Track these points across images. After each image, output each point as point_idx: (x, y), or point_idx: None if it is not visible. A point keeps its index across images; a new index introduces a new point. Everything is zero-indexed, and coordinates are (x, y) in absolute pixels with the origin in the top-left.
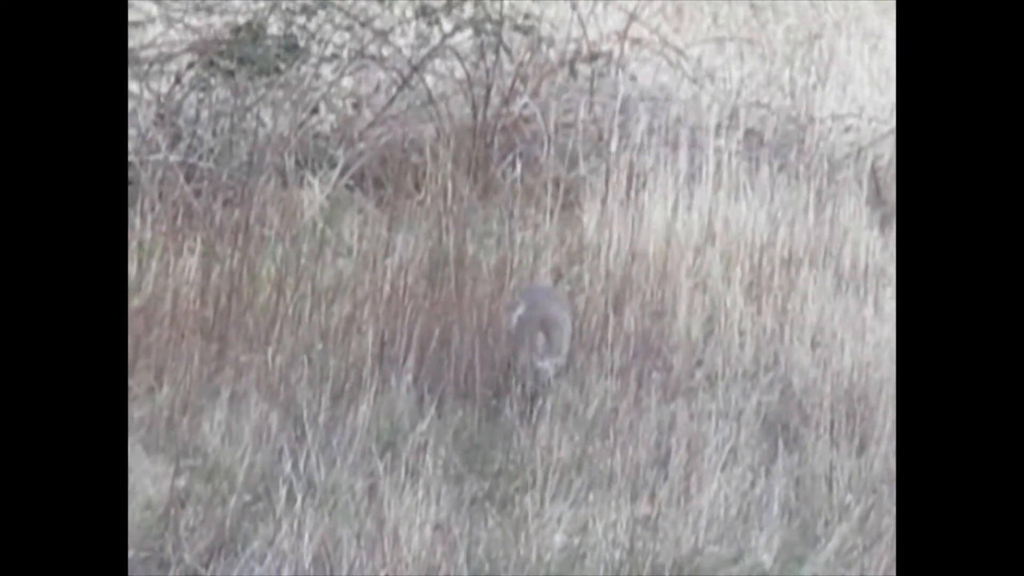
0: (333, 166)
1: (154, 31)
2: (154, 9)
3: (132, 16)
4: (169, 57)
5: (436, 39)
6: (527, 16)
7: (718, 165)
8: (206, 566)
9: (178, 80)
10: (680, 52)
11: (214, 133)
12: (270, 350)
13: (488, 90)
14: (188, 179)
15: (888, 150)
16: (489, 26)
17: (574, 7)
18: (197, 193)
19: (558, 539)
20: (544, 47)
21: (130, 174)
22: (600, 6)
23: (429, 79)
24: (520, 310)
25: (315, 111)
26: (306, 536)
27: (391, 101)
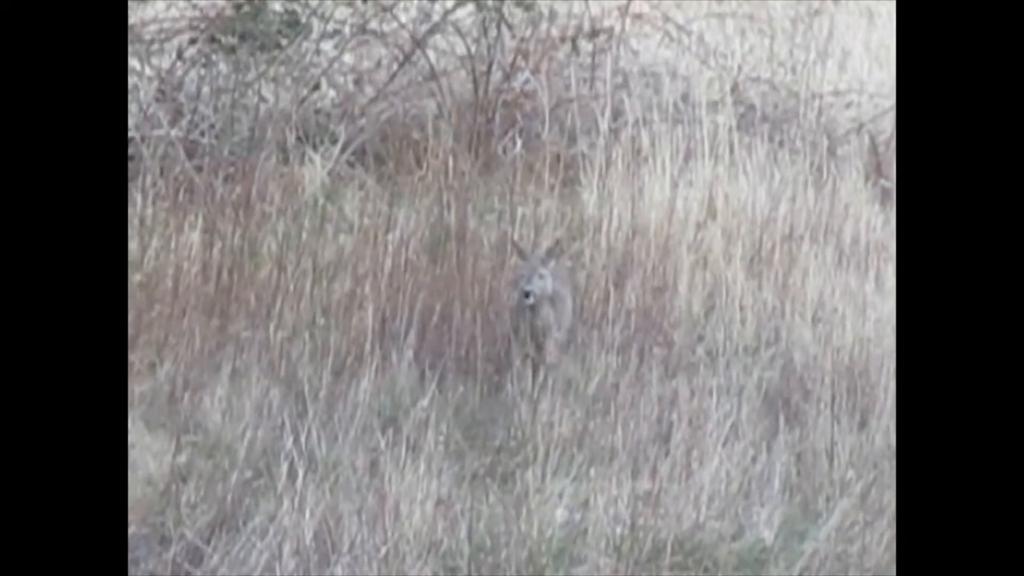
0: (334, 142)
1: (156, 7)
2: None
3: None
4: (171, 33)
5: (438, 15)
6: None
7: (719, 141)
8: (207, 542)
9: (180, 56)
10: (681, 28)
11: (215, 109)
12: (271, 326)
13: (489, 66)
14: (189, 155)
15: (888, 126)
16: (491, 2)
17: None
18: (198, 169)
19: (559, 514)
20: (545, 23)
21: (131, 150)
22: None
23: (431, 55)
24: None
25: (316, 87)
26: (307, 512)
27: (392, 77)
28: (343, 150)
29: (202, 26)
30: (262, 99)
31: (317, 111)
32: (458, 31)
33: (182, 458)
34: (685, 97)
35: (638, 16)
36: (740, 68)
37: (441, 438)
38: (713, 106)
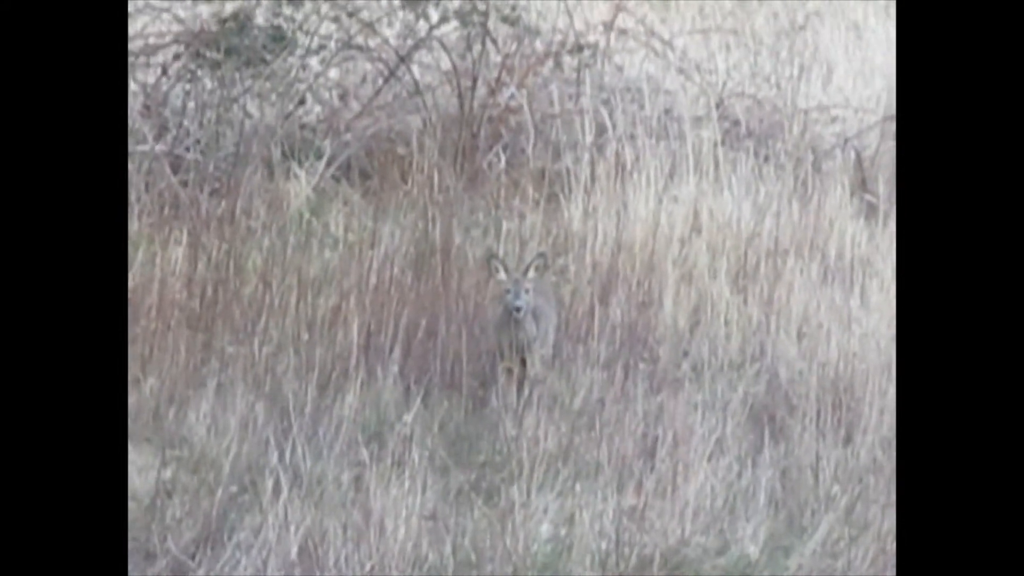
0: (319, 157)
1: (141, 22)
2: None
3: None
4: (156, 48)
5: (423, 30)
6: (513, 7)
7: (703, 156)
8: (192, 557)
9: (164, 71)
10: (666, 43)
11: (200, 124)
12: (256, 341)
13: (474, 81)
14: (175, 170)
15: (874, 140)
16: (475, 17)
17: None
18: (184, 184)
19: (544, 530)
20: (530, 38)
21: None
22: None
23: (415, 70)
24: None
25: (302, 102)
26: (292, 527)
27: (377, 92)
28: (328, 165)
29: (187, 41)
30: (247, 114)
31: (302, 126)
32: (443, 46)
33: (167, 473)
34: (669, 112)
35: (623, 31)
36: (725, 83)
37: (426, 453)
38: (698, 121)
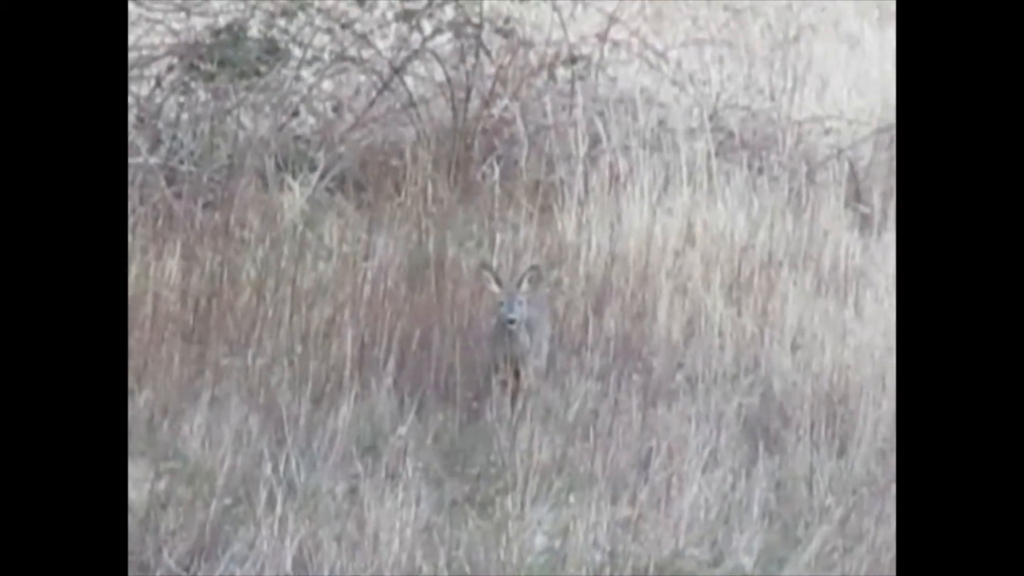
0: (313, 169)
1: (135, 34)
2: (134, 11)
3: None
4: (149, 60)
5: (416, 42)
6: (507, 19)
7: (697, 167)
8: (187, 569)
9: (158, 83)
10: (660, 54)
11: (194, 136)
12: (250, 353)
13: (468, 93)
14: (168, 182)
15: (868, 152)
16: (469, 29)
17: (554, 9)
18: (177, 196)
19: (539, 541)
20: (524, 50)
21: None
22: (580, 8)
23: (409, 82)
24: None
25: (295, 114)
26: (287, 539)
27: (371, 104)
28: (322, 177)
29: (181, 53)
30: (241, 126)
31: (296, 138)
32: (437, 58)
33: (161, 485)
34: (663, 124)
35: (616, 43)
36: (718, 95)
37: (420, 465)
38: (691, 133)
